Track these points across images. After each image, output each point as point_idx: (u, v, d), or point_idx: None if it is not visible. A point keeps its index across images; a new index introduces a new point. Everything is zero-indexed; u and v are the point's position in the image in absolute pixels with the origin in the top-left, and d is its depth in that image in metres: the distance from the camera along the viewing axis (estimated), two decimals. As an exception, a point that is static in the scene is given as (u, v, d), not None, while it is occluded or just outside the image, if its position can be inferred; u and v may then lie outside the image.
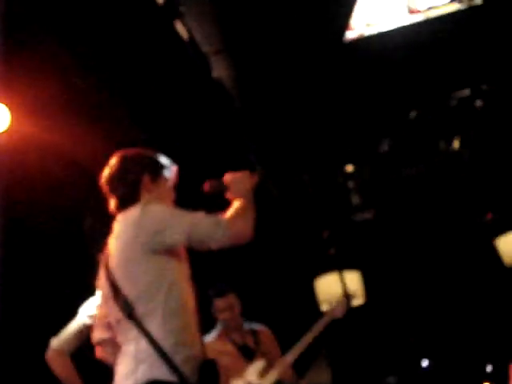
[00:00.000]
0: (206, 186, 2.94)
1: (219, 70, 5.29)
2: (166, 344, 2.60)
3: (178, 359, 2.60)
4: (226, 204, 2.85)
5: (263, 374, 4.14)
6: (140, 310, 2.65)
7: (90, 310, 4.04)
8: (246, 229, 2.74)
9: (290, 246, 6.94)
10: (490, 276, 7.27)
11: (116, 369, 2.71)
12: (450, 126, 6.76)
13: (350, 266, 6.34)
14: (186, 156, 5.57)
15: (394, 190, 7.38)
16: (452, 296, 7.49)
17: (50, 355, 3.84)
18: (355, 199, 7.33)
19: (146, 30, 4.65)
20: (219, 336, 4.47)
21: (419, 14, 6.29)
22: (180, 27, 4.75)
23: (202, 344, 2.81)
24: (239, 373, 4.10)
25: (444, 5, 6.22)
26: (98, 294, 4.26)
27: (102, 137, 4.76)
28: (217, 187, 2.94)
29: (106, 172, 2.95)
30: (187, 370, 2.61)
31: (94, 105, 4.65)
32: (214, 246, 2.71)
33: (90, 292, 4.57)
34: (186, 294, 2.76)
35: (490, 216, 7.25)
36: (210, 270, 4.63)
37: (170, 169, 2.99)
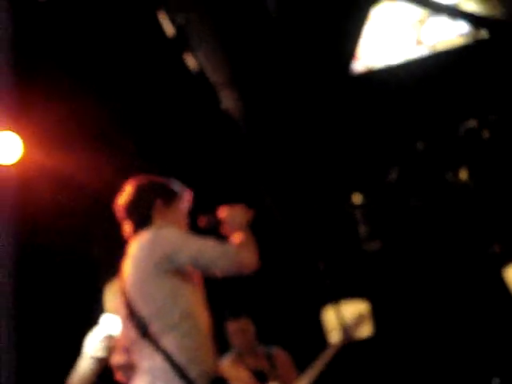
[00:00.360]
0: (202, 221, 3.00)
1: (228, 101, 5.35)
2: (181, 360, 2.68)
3: (192, 375, 2.68)
4: (222, 238, 2.91)
5: None
6: (154, 328, 2.74)
7: (97, 342, 4.06)
8: (251, 259, 2.81)
9: (295, 275, 6.95)
10: (499, 307, 7.23)
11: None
12: (457, 157, 6.79)
13: (357, 295, 6.33)
14: (195, 186, 5.61)
15: (401, 221, 7.38)
16: (460, 327, 7.44)
17: None
18: (362, 229, 7.33)
19: (157, 61, 4.73)
20: (233, 361, 4.40)
21: (426, 47, 6.37)
22: (190, 59, 4.82)
23: (216, 363, 2.89)
24: None
25: (450, 38, 6.30)
26: (107, 321, 4.29)
27: (111, 167, 4.81)
28: (213, 222, 2.99)
29: (122, 198, 3.06)
30: None
31: (104, 135, 4.71)
32: (218, 273, 2.81)
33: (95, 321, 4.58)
34: (200, 314, 2.84)
35: (497, 247, 7.23)
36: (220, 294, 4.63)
37: (183, 195, 3.08)
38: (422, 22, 6.46)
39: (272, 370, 4.35)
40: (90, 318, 4.75)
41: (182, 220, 3.04)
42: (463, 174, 6.91)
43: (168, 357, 2.69)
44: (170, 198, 3.03)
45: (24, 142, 4.19)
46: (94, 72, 4.40)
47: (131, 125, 4.87)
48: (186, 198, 3.09)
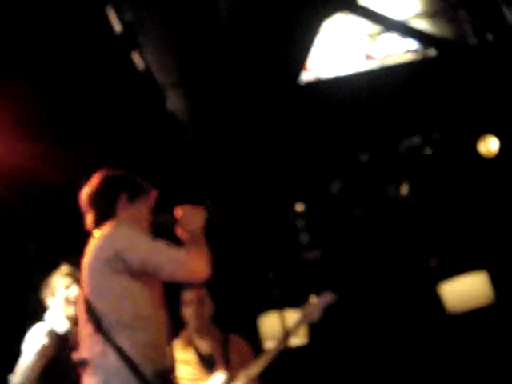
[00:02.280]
0: (153, 220, 2.98)
1: (174, 102, 5.31)
2: (135, 359, 2.65)
3: (147, 373, 2.65)
4: (174, 238, 2.87)
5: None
6: (107, 324, 2.71)
7: (41, 338, 3.99)
8: (202, 268, 2.76)
9: (236, 283, 6.94)
10: (432, 321, 7.34)
11: (85, 381, 2.74)
12: (399, 172, 6.88)
13: (295, 304, 6.34)
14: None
15: (342, 231, 7.44)
16: (395, 340, 7.53)
17: None
18: (304, 238, 7.36)
19: (103, 58, 4.65)
20: (183, 343, 4.17)
21: (375, 61, 6.45)
22: (137, 58, 4.77)
23: (173, 361, 2.89)
24: None
25: (399, 54, 6.40)
26: (50, 317, 4.22)
27: (52, 162, 4.73)
28: (165, 221, 2.96)
29: (87, 188, 3.04)
30: None
31: (49, 131, 4.62)
32: (165, 277, 2.78)
33: (32, 318, 4.48)
34: (154, 314, 2.81)
35: (434, 262, 7.35)
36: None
37: (149, 192, 3.05)
38: (372, 36, 6.54)
39: (224, 356, 4.10)
40: (27, 315, 4.67)
41: (145, 218, 3.00)
42: (404, 189, 7.00)
43: (122, 354, 2.65)
44: (136, 193, 3.00)
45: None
46: (40, 66, 4.30)
47: (76, 120, 4.79)
48: (151, 197, 3.06)
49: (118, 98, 4.83)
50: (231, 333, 4.33)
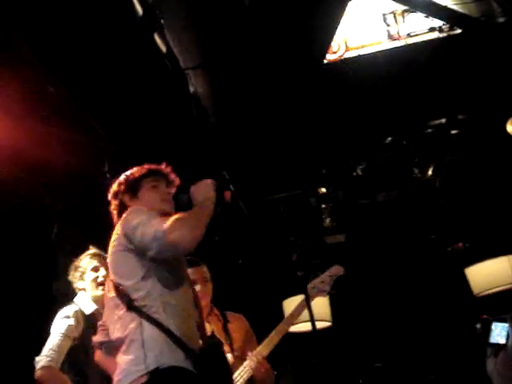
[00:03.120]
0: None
1: (196, 85, 5.25)
2: (174, 331, 2.69)
3: (189, 345, 2.70)
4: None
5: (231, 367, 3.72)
6: (139, 301, 2.75)
7: (65, 322, 4.01)
8: (184, 238, 2.69)
9: (260, 266, 6.92)
10: (458, 303, 7.27)
11: (119, 359, 2.75)
12: (425, 154, 6.78)
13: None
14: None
15: (366, 215, 7.38)
16: (419, 321, 7.48)
17: (40, 374, 3.82)
18: (327, 222, 7.31)
19: (124, 40, 4.59)
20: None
21: (399, 40, 6.34)
22: (159, 40, 4.71)
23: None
24: None
25: (424, 33, 6.27)
26: (78, 300, 4.23)
27: (71, 144, 4.71)
28: (185, 202, 2.93)
29: (120, 179, 3.22)
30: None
31: (64, 113, 4.58)
32: (151, 255, 2.74)
33: (56, 301, 4.49)
34: (181, 292, 2.86)
35: (460, 245, 7.27)
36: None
37: (171, 179, 3.17)
38: (396, 15, 6.42)
39: (227, 336, 4.00)
40: (51, 298, 4.68)
41: (156, 204, 3.04)
42: (429, 171, 6.91)
43: (159, 325, 2.68)
44: (135, 190, 3.12)
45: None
46: (56, 46, 4.25)
47: (94, 103, 4.74)
48: (173, 183, 3.16)
49: (139, 80, 4.77)
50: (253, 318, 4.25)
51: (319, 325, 6.04)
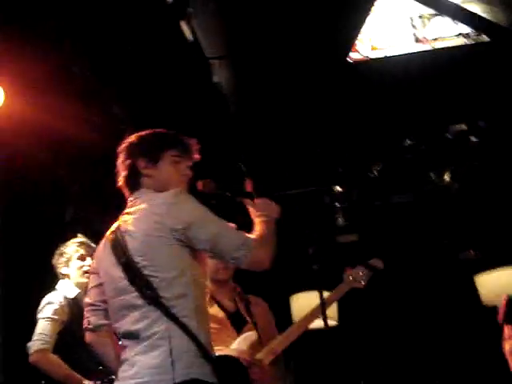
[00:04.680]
0: (200, 185, 2.90)
1: (220, 75, 5.26)
2: (202, 341, 2.51)
3: (214, 356, 2.55)
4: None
5: (256, 347, 3.68)
6: (167, 297, 2.52)
7: (50, 307, 4.02)
8: (266, 257, 2.66)
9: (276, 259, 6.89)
10: (468, 311, 7.25)
11: (135, 357, 2.53)
12: (443, 158, 6.76)
13: (329, 287, 6.30)
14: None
15: (379, 216, 7.36)
16: (427, 325, 7.46)
17: (35, 358, 3.84)
18: (340, 220, 7.29)
19: (152, 25, 4.61)
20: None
21: (425, 44, 6.32)
22: (185, 28, 4.72)
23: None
24: (226, 343, 3.62)
25: (451, 37, 6.25)
26: (63, 286, 4.20)
27: (92, 120, 4.73)
28: (210, 188, 2.91)
29: (130, 140, 2.89)
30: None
31: (88, 89, 4.59)
32: (231, 262, 2.66)
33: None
34: (205, 293, 2.74)
35: (471, 252, 7.23)
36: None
37: (193, 151, 2.87)
38: (423, 18, 6.40)
39: (249, 316, 3.88)
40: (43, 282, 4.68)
41: (176, 178, 2.80)
42: (446, 176, 6.89)
43: (192, 335, 2.47)
44: (155, 155, 2.79)
45: (5, 91, 4.13)
46: (84, 26, 4.28)
47: (117, 85, 4.76)
48: (194, 155, 2.87)
49: (164, 65, 4.79)
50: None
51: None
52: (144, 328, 2.53)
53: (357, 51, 6.18)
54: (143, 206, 2.69)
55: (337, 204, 7.24)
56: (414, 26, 6.38)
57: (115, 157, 2.88)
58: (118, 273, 2.64)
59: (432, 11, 6.39)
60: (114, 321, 2.68)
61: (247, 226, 2.81)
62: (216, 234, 2.59)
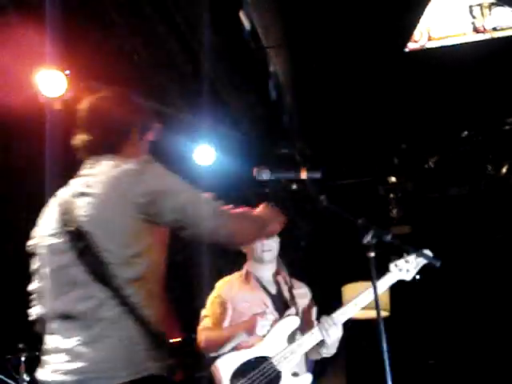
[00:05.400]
0: (255, 171, 2.96)
1: (276, 64, 5.29)
2: (156, 331, 2.20)
3: (157, 330, 2.22)
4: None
5: (293, 334, 3.73)
6: (120, 277, 2.18)
7: None
8: (246, 233, 2.50)
9: (324, 249, 6.93)
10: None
11: (78, 350, 2.15)
12: (501, 151, 6.66)
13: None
14: (229, 147, 5.60)
15: (434, 208, 7.30)
16: (479, 318, 7.39)
17: None
18: (394, 212, 7.26)
19: (210, 14, 4.66)
20: (246, 279, 3.94)
21: (484, 34, 6.22)
22: (243, 17, 4.76)
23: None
24: (265, 328, 3.70)
25: (510, 27, 6.14)
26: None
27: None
28: (263, 176, 2.96)
29: (90, 103, 2.52)
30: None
31: (148, 79, 4.67)
32: (205, 231, 2.31)
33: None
34: (160, 280, 2.34)
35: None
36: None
37: (157, 128, 2.62)
38: (482, 7, 6.30)
39: (292, 301, 3.89)
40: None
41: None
42: (504, 169, 6.79)
43: (145, 324, 2.16)
44: (146, 130, 2.55)
45: (68, 78, 4.27)
46: (145, 16, 4.36)
47: (176, 73, 4.83)
48: (156, 133, 2.61)
49: (221, 55, 4.85)
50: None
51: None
52: (90, 311, 2.17)
53: (415, 41, 6.14)
54: (105, 169, 2.34)
55: (391, 195, 7.21)
56: (472, 16, 6.30)
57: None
58: (62, 243, 2.27)
59: (491, 0, 6.29)
60: (52, 299, 2.28)
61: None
62: (188, 201, 2.27)
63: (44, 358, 2.27)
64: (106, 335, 2.14)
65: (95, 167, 2.37)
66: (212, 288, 4.01)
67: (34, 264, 2.41)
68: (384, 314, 6.77)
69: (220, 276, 4.09)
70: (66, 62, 4.21)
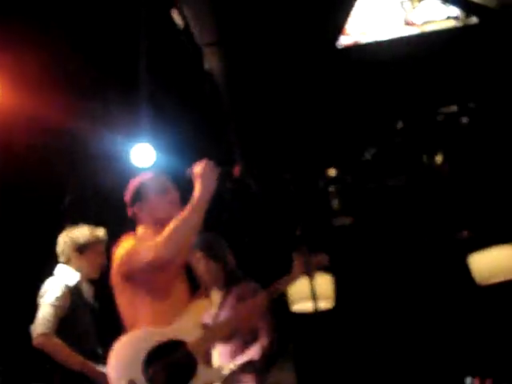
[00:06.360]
0: (188, 171, 2.96)
1: (211, 61, 5.30)
2: None
3: None
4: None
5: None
6: None
7: (51, 293, 4.06)
8: (171, 253, 2.72)
9: (264, 241, 6.95)
10: (461, 291, 7.32)
11: None
12: (435, 141, 6.81)
13: (323, 269, 6.35)
14: (171, 145, 5.59)
15: (373, 199, 7.41)
16: (422, 306, 7.53)
17: (40, 341, 3.88)
18: (335, 204, 7.35)
19: (143, 15, 4.65)
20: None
21: (415, 27, 6.36)
22: (176, 15, 4.76)
23: None
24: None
25: (440, 20, 6.29)
26: (62, 271, 4.25)
27: (87, 113, 4.76)
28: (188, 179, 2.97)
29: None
30: None
31: (82, 83, 4.64)
32: (140, 268, 2.78)
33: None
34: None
35: (465, 233, 7.30)
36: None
37: (157, 184, 3.05)
38: (412, 1, 6.43)
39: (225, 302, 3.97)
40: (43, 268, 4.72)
41: (161, 208, 2.98)
42: (438, 158, 6.94)
43: None
44: (141, 199, 3.03)
45: (1, 85, 4.18)
46: (74, 19, 4.32)
47: (111, 74, 4.80)
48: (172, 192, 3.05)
49: (155, 54, 4.82)
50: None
51: (321, 305, 6.12)
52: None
53: (347, 35, 6.22)
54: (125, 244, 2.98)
55: (331, 188, 7.30)
56: (403, 10, 6.42)
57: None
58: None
59: (422, -5, 6.43)
60: None
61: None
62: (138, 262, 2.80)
63: None
64: None
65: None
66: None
67: None
68: (329, 305, 6.89)
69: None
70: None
